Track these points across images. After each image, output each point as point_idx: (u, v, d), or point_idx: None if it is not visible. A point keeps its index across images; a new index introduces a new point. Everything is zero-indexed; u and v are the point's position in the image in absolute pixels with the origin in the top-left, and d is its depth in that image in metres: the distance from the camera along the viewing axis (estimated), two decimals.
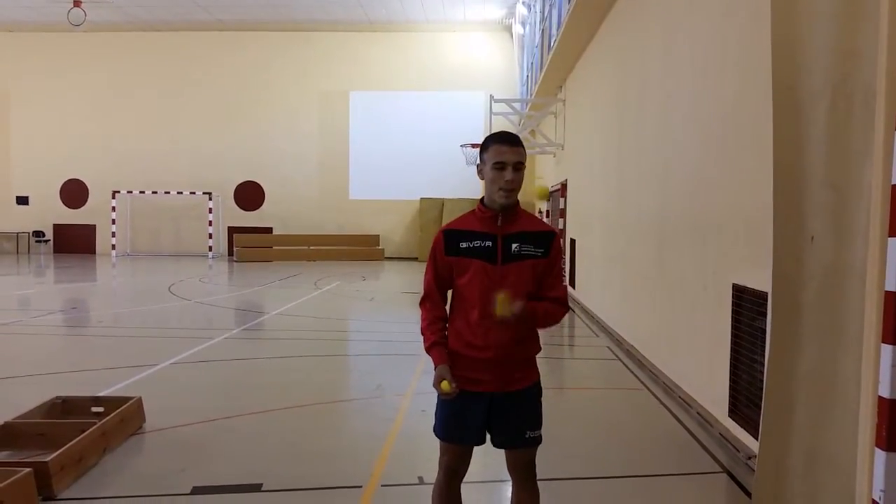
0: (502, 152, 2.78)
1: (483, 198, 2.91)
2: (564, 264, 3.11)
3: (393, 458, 4.75)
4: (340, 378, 7.71)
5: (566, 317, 2.98)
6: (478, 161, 2.88)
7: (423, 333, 2.91)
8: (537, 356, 2.96)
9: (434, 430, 2.95)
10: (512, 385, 2.84)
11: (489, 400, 2.83)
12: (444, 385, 2.75)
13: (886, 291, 2.85)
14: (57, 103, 27.22)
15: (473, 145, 19.98)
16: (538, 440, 2.91)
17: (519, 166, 2.79)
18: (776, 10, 3.48)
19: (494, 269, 2.78)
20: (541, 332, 2.95)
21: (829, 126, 3.14)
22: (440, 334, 2.89)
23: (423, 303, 2.95)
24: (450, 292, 2.97)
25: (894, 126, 2.85)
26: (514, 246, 2.79)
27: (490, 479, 4.31)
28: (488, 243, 2.80)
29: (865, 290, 3.04)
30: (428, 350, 2.87)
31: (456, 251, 2.83)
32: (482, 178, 2.87)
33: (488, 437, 2.91)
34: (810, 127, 3.22)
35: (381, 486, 4.29)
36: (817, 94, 3.17)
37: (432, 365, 2.87)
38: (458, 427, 2.88)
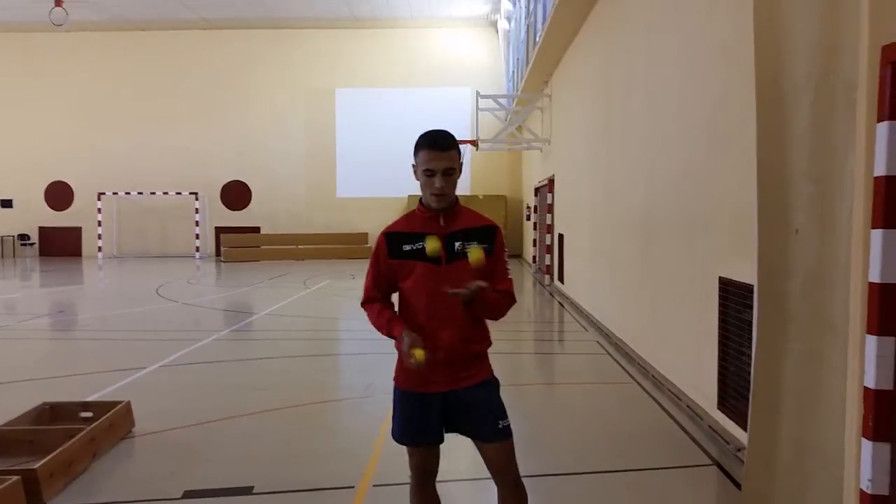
0: (430, 159, 2.70)
1: (421, 197, 2.84)
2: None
3: (385, 457, 4.74)
4: (331, 378, 7.70)
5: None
6: (413, 161, 2.79)
7: (375, 324, 2.84)
8: (492, 351, 2.92)
9: (392, 434, 2.91)
10: (464, 382, 2.80)
11: (441, 399, 2.80)
12: (419, 353, 2.61)
13: (870, 283, 2.88)
14: (40, 104, 26.97)
15: (461, 142, 19.97)
16: (510, 429, 2.84)
17: (449, 172, 2.71)
18: (758, 5, 3.50)
19: (439, 270, 2.73)
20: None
21: (811, 120, 3.16)
22: (393, 312, 2.84)
23: (364, 305, 2.92)
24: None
25: (875, 119, 2.87)
26: (457, 244, 2.75)
27: (480, 476, 4.31)
28: None
29: (850, 282, 3.07)
30: (388, 328, 2.77)
31: (399, 254, 2.79)
32: (417, 179, 2.79)
33: (464, 430, 2.86)
34: (793, 121, 3.24)
35: (374, 486, 4.29)
36: (800, 88, 3.20)
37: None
38: (413, 429, 2.84)
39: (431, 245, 2.69)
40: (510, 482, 2.85)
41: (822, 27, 3.10)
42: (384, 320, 2.81)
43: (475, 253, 2.66)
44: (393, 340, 2.79)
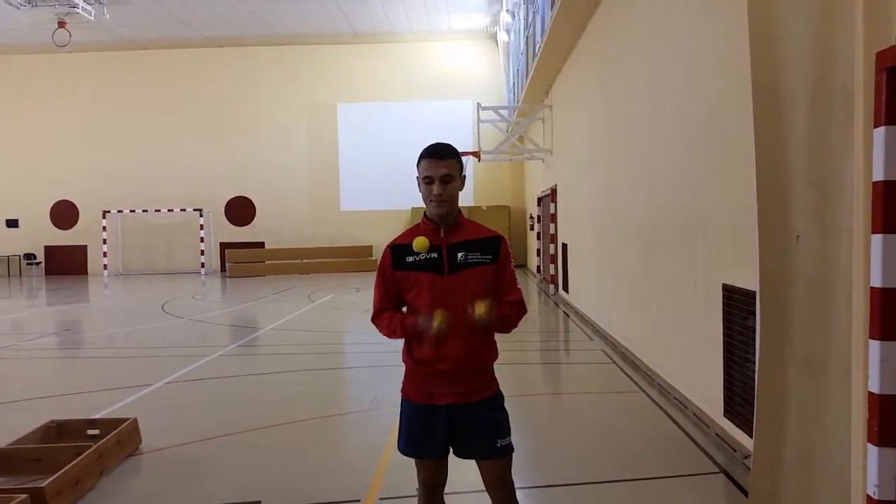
0: (429, 166, 2.78)
1: (426, 211, 2.89)
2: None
3: (390, 470, 4.74)
4: (336, 391, 7.70)
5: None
6: (417, 174, 2.86)
7: (388, 329, 2.87)
8: (498, 361, 2.93)
9: (398, 446, 2.93)
10: (469, 397, 2.81)
11: (447, 413, 2.80)
12: (440, 317, 2.65)
13: (872, 287, 2.88)
14: (44, 125, 27.17)
15: (463, 154, 20.01)
16: (510, 448, 2.86)
17: (447, 178, 2.77)
18: (753, 11, 3.52)
19: (442, 280, 2.77)
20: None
21: (809, 125, 3.18)
22: (404, 313, 2.88)
23: (375, 319, 2.94)
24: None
25: (873, 123, 2.89)
26: (459, 255, 2.79)
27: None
28: (433, 255, 2.79)
29: (852, 287, 3.07)
30: (403, 325, 2.81)
31: (403, 265, 2.83)
32: (421, 192, 2.85)
33: (463, 451, 2.87)
34: (791, 126, 3.26)
35: (380, 499, 4.29)
36: (797, 93, 3.21)
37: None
38: (418, 442, 2.86)
39: (418, 243, 2.73)
40: (504, 498, 2.87)
41: (817, 33, 3.12)
42: (397, 321, 2.84)
43: (480, 307, 2.66)
44: (404, 346, 2.87)
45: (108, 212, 26.79)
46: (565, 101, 14.85)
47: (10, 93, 27.26)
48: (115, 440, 4.90)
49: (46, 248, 27.67)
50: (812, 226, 3.18)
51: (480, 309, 2.65)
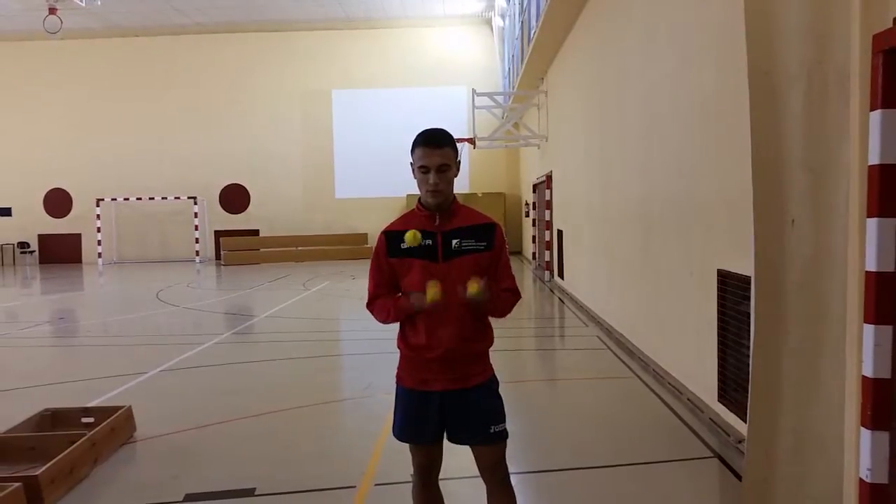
0: (424, 156, 2.72)
1: (420, 197, 2.85)
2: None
3: (386, 456, 4.75)
4: (331, 378, 7.70)
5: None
6: (411, 160, 2.81)
7: (383, 313, 2.86)
8: (494, 348, 2.92)
9: (392, 432, 2.94)
10: (462, 382, 2.80)
11: (440, 398, 2.80)
12: (431, 287, 2.62)
13: (866, 271, 2.88)
14: (36, 112, 26.97)
15: (458, 140, 19.91)
16: (504, 434, 2.85)
17: (443, 168, 2.73)
18: None
19: (436, 267, 2.74)
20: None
21: (805, 109, 3.16)
22: (396, 297, 2.86)
23: (369, 305, 2.93)
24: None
25: (869, 107, 2.87)
26: (454, 242, 2.76)
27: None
28: (428, 241, 2.76)
29: (846, 271, 3.07)
30: (396, 306, 2.80)
31: (397, 252, 2.80)
32: (415, 178, 2.80)
33: (457, 436, 2.87)
34: (787, 111, 3.24)
35: (375, 485, 4.29)
36: (793, 78, 3.19)
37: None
38: (412, 427, 2.86)
39: (410, 238, 2.71)
40: (497, 481, 2.88)
41: (814, 16, 3.10)
42: (391, 303, 2.83)
43: (473, 286, 2.63)
44: (403, 323, 2.85)
45: (102, 200, 26.67)
46: (561, 86, 14.79)
47: (1, 80, 27.01)
48: (110, 428, 4.89)
49: (40, 236, 27.55)
50: (807, 210, 3.17)
51: (473, 288, 2.61)
